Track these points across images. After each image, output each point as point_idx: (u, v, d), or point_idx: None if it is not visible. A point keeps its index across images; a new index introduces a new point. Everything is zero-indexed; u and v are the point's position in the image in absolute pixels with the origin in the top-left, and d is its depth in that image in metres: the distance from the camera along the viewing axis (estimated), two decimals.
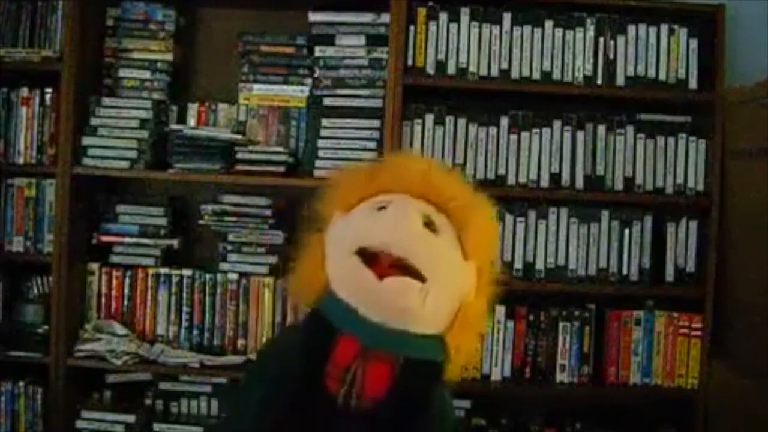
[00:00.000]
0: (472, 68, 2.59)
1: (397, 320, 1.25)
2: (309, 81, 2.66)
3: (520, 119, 2.61)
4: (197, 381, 2.66)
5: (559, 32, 2.59)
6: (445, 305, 1.30)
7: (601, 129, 2.61)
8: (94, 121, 2.58)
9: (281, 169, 2.56)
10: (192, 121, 2.70)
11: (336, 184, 1.42)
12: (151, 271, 2.64)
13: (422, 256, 1.26)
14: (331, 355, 1.25)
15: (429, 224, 1.30)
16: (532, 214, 2.62)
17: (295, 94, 2.68)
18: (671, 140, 2.62)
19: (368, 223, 1.30)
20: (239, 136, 2.62)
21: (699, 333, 2.59)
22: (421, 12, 2.58)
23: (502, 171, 2.60)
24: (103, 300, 2.64)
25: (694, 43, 2.60)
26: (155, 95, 2.67)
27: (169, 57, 2.69)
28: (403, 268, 1.25)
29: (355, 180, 1.40)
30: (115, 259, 2.67)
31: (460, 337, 1.33)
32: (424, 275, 1.26)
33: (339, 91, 2.62)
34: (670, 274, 2.62)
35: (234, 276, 2.63)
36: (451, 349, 1.32)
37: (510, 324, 2.61)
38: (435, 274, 1.26)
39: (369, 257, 1.26)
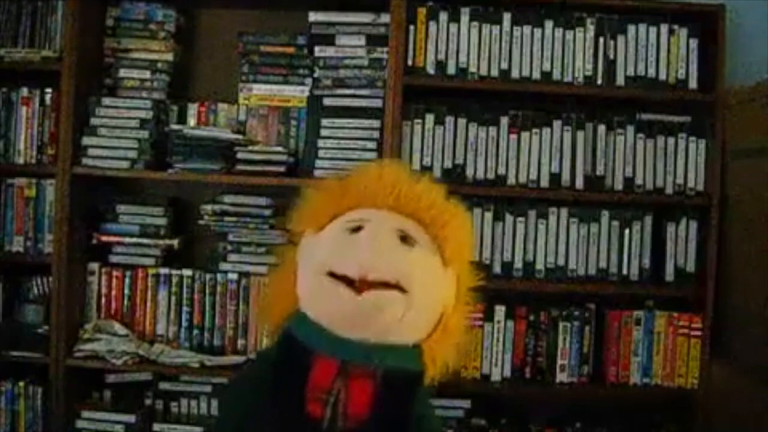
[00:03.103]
0: (472, 68, 2.59)
1: (376, 334, 1.23)
2: (309, 81, 2.67)
3: (520, 119, 2.61)
4: (197, 381, 2.66)
5: (559, 32, 2.59)
6: (426, 316, 1.29)
7: (601, 129, 2.61)
8: (94, 121, 2.58)
9: (281, 169, 2.56)
10: (192, 121, 2.70)
11: (307, 201, 1.39)
12: (151, 271, 2.64)
13: (400, 271, 1.24)
14: (309, 377, 1.22)
15: (405, 238, 1.28)
16: (532, 214, 2.62)
17: (295, 94, 2.68)
18: (671, 140, 2.62)
19: (342, 247, 1.27)
20: (239, 136, 2.62)
21: (699, 333, 2.59)
22: (421, 12, 2.58)
23: (502, 171, 2.60)
24: (103, 300, 2.64)
25: (694, 43, 2.60)
26: (155, 95, 2.67)
27: (169, 57, 2.69)
28: (382, 284, 1.23)
29: (326, 197, 1.37)
30: (115, 259, 2.67)
31: (438, 347, 1.31)
32: (404, 287, 1.24)
33: (339, 91, 2.62)
34: (670, 274, 2.62)
35: (234, 276, 2.63)
36: (428, 358, 1.30)
37: (510, 324, 2.61)
38: (415, 286, 1.25)
39: (343, 278, 1.24)
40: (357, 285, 1.22)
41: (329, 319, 1.24)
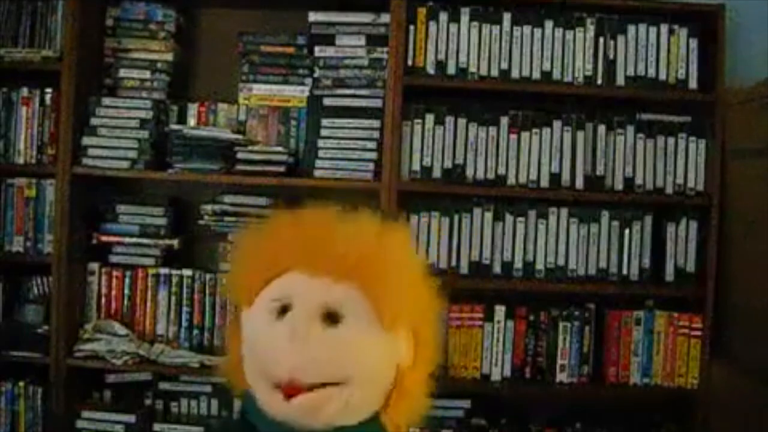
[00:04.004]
0: (472, 68, 2.59)
1: (322, 426, 1.15)
2: (309, 81, 2.67)
3: (520, 119, 2.61)
4: (197, 381, 2.66)
5: (559, 32, 2.59)
6: (374, 392, 1.19)
7: (601, 129, 2.61)
8: (94, 121, 2.58)
9: (281, 169, 2.56)
10: (192, 121, 2.70)
11: (233, 271, 1.28)
12: (151, 271, 2.64)
13: (331, 368, 1.14)
14: None
15: (332, 315, 1.16)
16: (532, 214, 2.62)
17: (295, 94, 2.68)
18: (671, 140, 2.61)
19: (267, 345, 1.17)
20: (239, 136, 2.62)
21: (699, 333, 2.58)
22: (421, 12, 2.58)
23: (502, 171, 2.60)
24: (103, 300, 2.64)
25: (694, 43, 2.60)
26: (155, 95, 2.67)
27: (169, 57, 2.69)
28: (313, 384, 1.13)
29: (248, 267, 1.24)
30: (115, 259, 2.67)
31: (398, 411, 1.22)
32: (339, 381, 1.14)
33: (339, 91, 2.62)
34: (670, 274, 2.62)
35: None
36: (391, 426, 1.21)
37: (510, 324, 2.60)
38: (352, 375, 1.15)
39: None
40: (288, 392, 1.13)
41: (271, 414, 1.17)
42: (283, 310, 1.17)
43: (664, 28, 2.60)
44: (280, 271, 1.19)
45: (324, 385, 1.13)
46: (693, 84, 2.60)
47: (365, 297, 1.17)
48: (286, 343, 1.14)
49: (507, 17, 2.59)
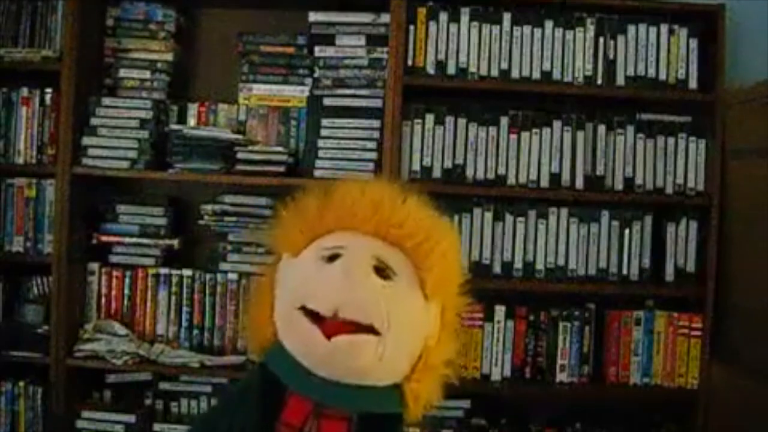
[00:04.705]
0: (472, 68, 2.58)
1: (351, 377, 1.18)
2: (309, 81, 2.67)
3: (520, 119, 2.61)
4: (197, 381, 2.66)
5: (559, 32, 2.59)
6: (404, 356, 1.22)
7: (601, 129, 2.61)
8: (94, 121, 2.58)
9: (281, 169, 2.56)
10: (192, 121, 2.70)
11: (284, 223, 1.31)
12: (151, 271, 2.64)
13: (375, 313, 1.17)
14: (282, 414, 1.17)
15: (382, 270, 1.21)
16: (532, 214, 2.62)
17: (295, 94, 2.68)
18: (671, 140, 2.62)
19: (316, 280, 1.20)
20: (239, 136, 2.62)
21: (699, 333, 2.59)
22: (421, 12, 2.58)
23: (502, 171, 2.60)
24: (103, 300, 2.64)
25: (694, 43, 2.60)
26: (155, 95, 2.67)
27: (169, 57, 2.69)
28: (354, 323, 1.17)
29: (303, 218, 1.29)
30: (115, 259, 2.67)
31: (420, 385, 1.24)
32: (377, 330, 1.17)
33: (339, 91, 2.62)
34: (670, 274, 2.62)
35: (234, 276, 2.63)
36: (410, 398, 1.23)
37: (510, 324, 2.60)
38: (390, 326, 1.17)
39: (315, 314, 1.18)
40: (329, 323, 1.16)
41: (302, 356, 1.19)
42: (334, 257, 1.21)
43: (664, 28, 2.60)
44: (335, 227, 1.25)
45: (360, 329, 1.16)
46: (693, 84, 2.60)
47: (412, 264, 1.22)
48: (336, 279, 1.18)
49: (507, 17, 2.59)
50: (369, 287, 1.18)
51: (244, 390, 1.29)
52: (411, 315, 1.22)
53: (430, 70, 2.59)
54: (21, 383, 2.57)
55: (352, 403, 1.18)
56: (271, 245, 1.32)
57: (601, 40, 2.59)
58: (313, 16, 2.62)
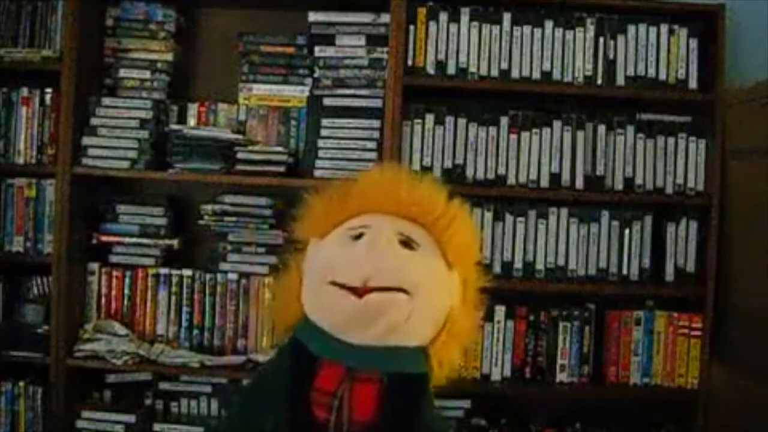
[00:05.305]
0: (472, 68, 2.59)
1: (380, 335, 1.23)
2: (309, 81, 2.67)
3: (520, 119, 2.61)
4: (197, 381, 2.66)
5: (559, 32, 2.59)
6: (431, 318, 1.28)
7: (601, 129, 2.61)
8: (94, 121, 2.58)
9: (281, 169, 2.56)
10: (192, 121, 2.70)
11: (310, 209, 1.39)
12: (151, 271, 2.64)
13: (402, 275, 1.24)
14: (314, 382, 1.22)
15: (406, 242, 1.28)
16: (532, 214, 2.62)
17: (295, 94, 2.68)
18: (671, 140, 2.62)
19: (343, 256, 1.27)
20: (239, 136, 2.62)
21: (699, 333, 2.59)
22: (421, 12, 2.58)
23: (502, 171, 2.60)
24: (103, 300, 2.64)
25: (694, 43, 2.60)
26: (155, 95, 2.67)
27: (169, 57, 2.69)
28: (384, 289, 1.23)
29: (328, 204, 1.37)
30: (115, 259, 2.67)
31: (444, 350, 1.31)
32: (406, 291, 1.23)
33: (339, 91, 2.62)
34: (670, 274, 2.62)
35: (234, 276, 2.63)
36: (435, 361, 1.29)
37: (510, 324, 2.61)
38: (418, 288, 1.24)
39: (345, 287, 1.24)
40: (359, 292, 1.22)
41: (333, 323, 1.24)
42: (360, 236, 1.29)
43: (664, 28, 2.60)
44: (359, 210, 1.33)
45: (392, 291, 1.23)
46: (693, 84, 2.60)
47: (432, 237, 1.31)
48: (363, 252, 1.25)
49: (507, 17, 2.59)
50: (395, 256, 1.25)
51: (276, 363, 1.35)
52: (436, 281, 1.29)
53: (430, 70, 2.59)
54: (21, 383, 2.57)
55: (383, 364, 1.23)
56: (298, 233, 1.38)
57: (601, 40, 2.59)
58: (313, 16, 2.62)
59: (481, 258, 1.42)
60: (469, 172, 2.60)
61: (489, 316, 2.59)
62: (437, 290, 1.29)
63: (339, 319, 1.24)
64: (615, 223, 2.62)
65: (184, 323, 2.63)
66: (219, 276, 2.63)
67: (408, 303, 1.23)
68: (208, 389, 2.68)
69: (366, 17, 2.62)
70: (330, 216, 1.35)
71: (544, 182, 2.60)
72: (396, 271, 1.24)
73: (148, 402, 2.67)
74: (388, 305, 1.22)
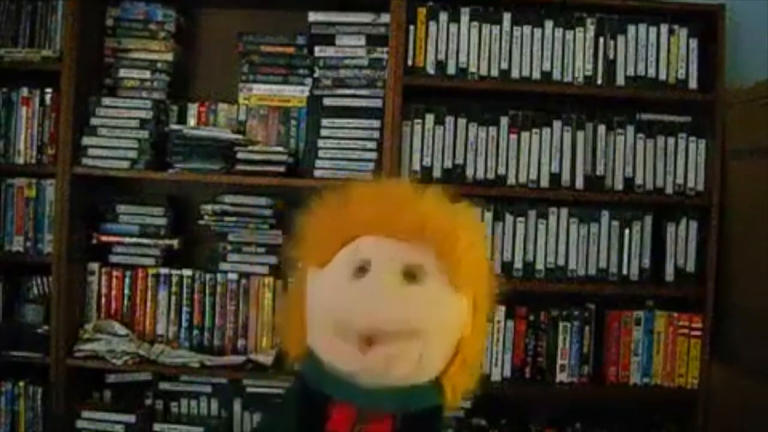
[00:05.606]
0: (472, 68, 2.59)
1: (392, 383, 1.19)
2: (309, 81, 2.67)
3: (520, 119, 2.61)
4: (197, 381, 2.66)
5: (559, 32, 2.59)
6: (443, 351, 1.23)
7: (601, 129, 2.61)
8: (94, 121, 2.58)
9: (281, 169, 2.56)
10: (192, 121, 2.70)
11: (306, 234, 1.29)
12: (151, 271, 2.64)
13: (411, 318, 1.18)
14: (326, 423, 1.18)
15: (411, 275, 1.21)
16: (532, 214, 2.62)
17: (295, 94, 2.68)
18: (671, 140, 2.62)
19: (345, 302, 1.19)
20: (239, 136, 2.63)
21: (699, 333, 2.59)
22: (421, 12, 2.58)
23: (502, 171, 2.60)
24: (103, 300, 2.64)
25: (694, 43, 2.60)
26: (155, 95, 2.67)
27: (169, 57, 2.69)
28: (391, 331, 1.17)
29: (325, 229, 1.27)
30: (115, 259, 2.67)
31: (456, 376, 1.26)
32: (414, 334, 1.18)
33: (339, 91, 2.62)
34: (670, 274, 2.62)
35: (234, 276, 2.63)
36: (449, 389, 1.25)
37: (510, 324, 2.61)
38: (428, 326, 1.19)
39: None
40: (366, 342, 1.17)
41: (340, 371, 1.20)
42: (361, 270, 1.21)
43: (664, 28, 2.60)
44: (358, 233, 1.25)
45: (397, 337, 1.16)
46: (693, 84, 2.60)
47: (439, 261, 1.23)
48: (368, 295, 1.18)
49: (507, 17, 2.59)
50: (400, 297, 1.19)
51: (285, 405, 1.30)
52: (445, 312, 1.23)
53: (430, 70, 2.59)
54: (21, 383, 2.57)
55: (396, 403, 1.19)
56: (297, 256, 1.31)
57: (601, 40, 2.59)
58: (313, 16, 2.62)
59: (492, 271, 1.34)
60: (469, 172, 2.60)
61: (489, 316, 2.59)
62: (447, 322, 1.23)
63: (345, 370, 1.19)
64: (615, 223, 2.62)
65: (184, 323, 2.63)
66: (219, 276, 2.63)
67: (417, 346, 1.18)
68: (208, 389, 2.68)
69: (366, 17, 2.62)
70: (328, 242, 1.26)
71: (544, 182, 2.60)
72: (403, 315, 1.18)
73: (148, 402, 2.67)
74: (395, 359, 1.17)
